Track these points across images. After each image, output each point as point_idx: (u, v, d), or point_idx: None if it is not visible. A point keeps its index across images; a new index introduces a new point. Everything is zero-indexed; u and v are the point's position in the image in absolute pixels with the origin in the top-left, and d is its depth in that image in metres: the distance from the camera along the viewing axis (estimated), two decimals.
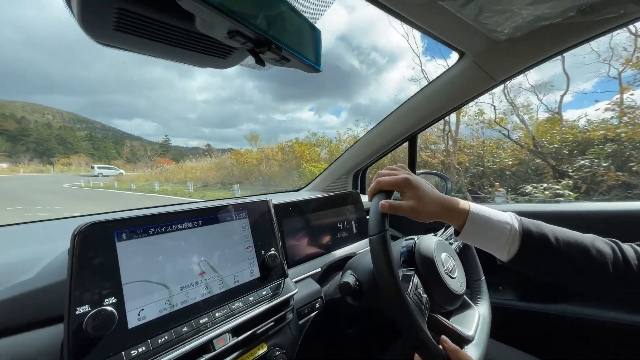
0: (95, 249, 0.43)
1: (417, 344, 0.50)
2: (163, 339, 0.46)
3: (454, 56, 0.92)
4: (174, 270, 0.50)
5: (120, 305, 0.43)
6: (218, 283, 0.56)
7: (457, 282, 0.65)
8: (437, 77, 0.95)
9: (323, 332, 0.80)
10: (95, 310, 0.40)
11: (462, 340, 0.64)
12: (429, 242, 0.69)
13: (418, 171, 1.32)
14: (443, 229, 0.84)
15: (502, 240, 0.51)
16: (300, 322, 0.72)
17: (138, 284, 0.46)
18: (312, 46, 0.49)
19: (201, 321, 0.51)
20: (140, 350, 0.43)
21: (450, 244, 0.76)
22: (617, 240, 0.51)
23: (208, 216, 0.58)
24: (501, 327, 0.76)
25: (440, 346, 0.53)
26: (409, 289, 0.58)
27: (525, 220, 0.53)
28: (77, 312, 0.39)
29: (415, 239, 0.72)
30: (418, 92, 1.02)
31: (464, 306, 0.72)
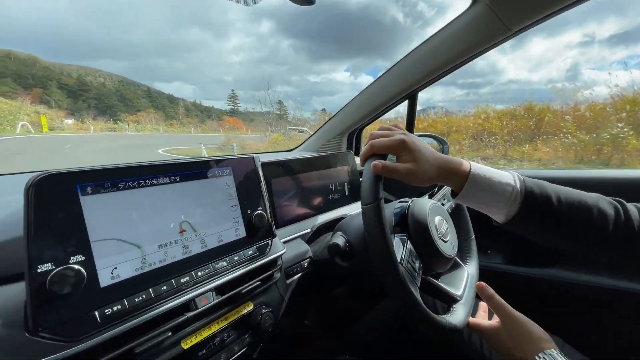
0: (54, 203, 0.38)
1: (417, 319, 0.50)
2: (140, 298, 0.43)
3: (463, 4, 0.82)
4: (150, 228, 0.47)
5: (89, 264, 0.40)
6: (200, 242, 0.53)
7: (449, 245, 0.64)
8: (445, 27, 0.85)
9: (311, 292, 0.80)
10: (60, 268, 0.37)
11: (451, 300, 0.64)
12: (422, 205, 0.66)
13: (415, 133, 1.26)
14: (437, 189, 0.81)
15: (502, 202, 0.48)
16: (288, 281, 0.71)
17: (109, 242, 0.42)
18: None
19: (182, 280, 0.48)
20: (115, 309, 0.41)
21: (443, 204, 0.74)
22: (622, 200, 0.48)
23: (187, 171, 0.53)
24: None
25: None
26: (402, 255, 0.57)
27: (529, 180, 0.49)
28: (39, 271, 0.36)
29: (409, 202, 0.69)
30: (421, 44, 0.92)
31: (453, 266, 0.72)
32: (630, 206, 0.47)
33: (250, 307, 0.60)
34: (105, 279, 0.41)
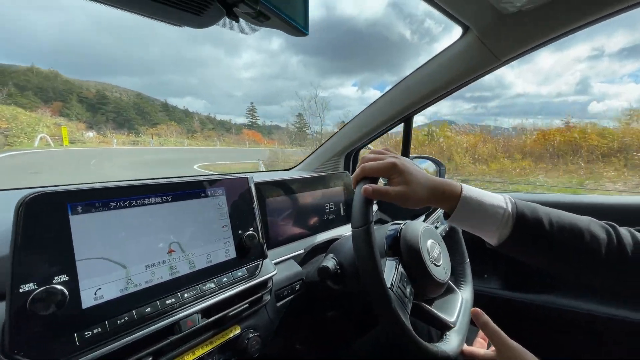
0: (44, 222, 0.38)
1: (406, 347, 0.49)
2: (123, 320, 0.42)
3: (456, 33, 0.85)
4: (138, 248, 0.47)
5: (73, 284, 0.39)
6: (188, 263, 0.52)
7: (442, 269, 0.63)
8: (437, 55, 0.89)
9: (302, 314, 0.79)
10: (43, 288, 0.37)
11: (444, 327, 0.62)
12: (415, 228, 0.66)
13: (412, 155, 1.28)
14: (431, 210, 0.81)
15: (494, 224, 0.48)
16: (279, 304, 0.70)
17: (95, 261, 0.42)
18: (296, 3, 0.43)
19: (167, 302, 0.48)
20: (95, 331, 0.40)
21: (436, 227, 0.74)
22: (614, 224, 0.48)
23: (179, 192, 0.54)
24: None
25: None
26: (393, 280, 0.56)
27: (520, 203, 0.49)
28: (21, 290, 0.36)
29: (402, 224, 0.69)
30: (416, 70, 0.95)
31: (447, 290, 0.70)
32: (623, 230, 0.47)
33: (237, 330, 0.58)
34: (88, 300, 0.41)
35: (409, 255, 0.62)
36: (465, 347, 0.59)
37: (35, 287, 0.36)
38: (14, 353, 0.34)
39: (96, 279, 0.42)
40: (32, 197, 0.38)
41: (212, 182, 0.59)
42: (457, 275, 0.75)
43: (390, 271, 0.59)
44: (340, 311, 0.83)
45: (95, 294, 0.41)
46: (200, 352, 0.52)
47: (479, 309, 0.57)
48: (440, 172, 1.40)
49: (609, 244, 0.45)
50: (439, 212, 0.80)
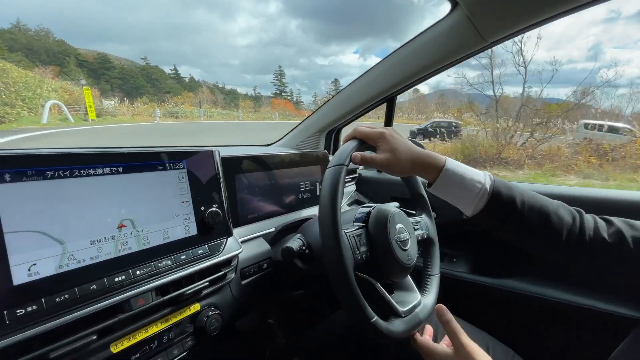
0: None
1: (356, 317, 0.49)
2: (62, 298, 0.40)
3: (444, 9, 0.80)
4: (82, 222, 0.43)
5: (1, 259, 0.36)
6: (142, 239, 0.49)
7: (406, 254, 0.63)
8: (423, 32, 0.84)
9: (269, 293, 0.78)
10: None
11: (392, 313, 0.62)
12: (386, 209, 0.66)
13: None
14: (416, 212, 0.79)
15: (471, 197, 0.52)
16: (244, 282, 0.68)
17: (28, 234, 0.38)
18: None
19: (116, 279, 0.45)
20: (29, 309, 0.37)
21: (415, 228, 0.73)
22: (581, 210, 0.51)
23: (133, 162, 0.49)
24: (451, 298, 0.77)
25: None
26: (349, 233, 0.58)
27: (498, 181, 0.53)
28: None
29: (375, 205, 0.68)
30: (400, 47, 0.91)
31: (410, 289, 0.69)
32: (588, 217, 0.50)
33: (196, 308, 0.57)
34: (20, 276, 0.37)
35: (375, 229, 0.62)
36: (421, 337, 0.59)
37: None
38: None
39: (30, 254, 0.38)
40: None
41: (172, 154, 0.55)
42: (423, 286, 0.73)
43: (352, 229, 0.60)
44: (309, 290, 0.83)
45: (29, 270, 0.38)
46: (154, 329, 0.50)
47: (443, 306, 0.57)
48: None
49: (572, 228, 0.49)
50: (424, 218, 0.78)
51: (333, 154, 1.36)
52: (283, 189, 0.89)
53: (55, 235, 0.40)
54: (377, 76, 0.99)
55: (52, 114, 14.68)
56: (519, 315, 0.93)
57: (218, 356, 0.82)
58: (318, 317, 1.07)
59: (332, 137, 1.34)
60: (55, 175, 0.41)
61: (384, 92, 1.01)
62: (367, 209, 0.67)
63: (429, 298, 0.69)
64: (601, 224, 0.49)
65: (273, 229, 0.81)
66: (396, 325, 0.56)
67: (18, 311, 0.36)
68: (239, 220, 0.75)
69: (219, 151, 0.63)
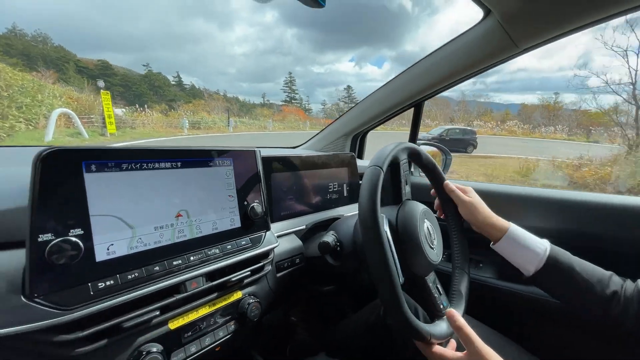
0: (60, 177, 0.40)
1: (396, 317, 0.50)
2: (133, 276, 0.45)
3: (477, 16, 0.82)
4: (148, 210, 0.48)
5: (87, 238, 0.41)
6: (195, 228, 0.54)
7: (435, 252, 0.64)
8: (455, 39, 0.86)
9: (300, 287, 0.82)
10: (60, 239, 0.39)
11: (436, 315, 0.63)
12: (414, 207, 0.67)
13: (419, 140, 1.27)
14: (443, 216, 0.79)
15: (533, 258, 0.61)
16: (279, 275, 0.72)
17: (108, 219, 0.44)
18: None
19: (174, 263, 0.50)
20: (107, 283, 0.42)
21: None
22: (630, 281, 0.58)
23: (189, 158, 0.55)
24: (477, 304, 0.77)
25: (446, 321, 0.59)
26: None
27: (556, 247, 0.63)
28: (39, 240, 0.38)
29: (401, 203, 0.69)
30: (430, 54, 0.93)
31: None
32: (631, 286, 0.57)
33: (238, 295, 0.61)
34: (101, 254, 0.43)
35: (404, 226, 0.63)
36: (436, 346, 0.57)
37: (53, 237, 0.38)
38: (34, 297, 0.37)
39: (109, 236, 0.44)
40: (48, 153, 0.39)
41: (220, 152, 0.60)
42: (452, 283, 0.73)
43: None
44: (336, 287, 0.86)
45: (107, 250, 0.43)
46: (203, 312, 0.55)
47: (454, 311, 0.56)
48: (446, 161, 1.40)
49: (616, 296, 0.56)
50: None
51: (359, 157, 1.39)
52: (313, 189, 0.93)
53: (128, 221, 0.46)
54: (405, 82, 1.02)
55: (59, 127, 11.31)
56: (547, 324, 0.91)
57: (248, 347, 0.86)
58: (340, 315, 1.10)
59: (357, 141, 1.38)
60: (129, 167, 0.47)
61: (412, 97, 1.03)
62: (394, 206, 0.69)
63: (461, 300, 0.69)
64: None
65: (304, 227, 0.85)
66: (440, 327, 0.57)
67: (100, 284, 0.42)
68: (273, 217, 0.79)
69: (260, 151, 0.68)
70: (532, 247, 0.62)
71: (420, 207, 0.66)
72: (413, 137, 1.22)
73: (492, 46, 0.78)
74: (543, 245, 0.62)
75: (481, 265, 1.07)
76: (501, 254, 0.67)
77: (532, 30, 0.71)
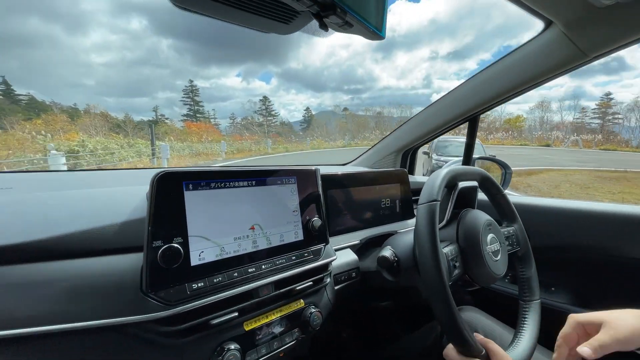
0: (168, 194, 0.49)
1: (455, 338, 0.50)
2: (217, 280, 0.52)
3: (536, 27, 0.80)
4: (230, 222, 0.56)
5: (185, 245, 0.50)
6: (265, 239, 0.61)
7: (498, 265, 0.62)
8: (513, 51, 0.84)
9: (357, 301, 0.83)
10: (167, 245, 0.47)
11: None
12: (477, 217, 0.65)
13: (475, 156, 1.23)
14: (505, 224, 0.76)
15: None
16: (337, 287, 0.75)
17: (200, 229, 0.52)
18: (376, 10, 0.47)
19: (249, 270, 0.56)
20: (199, 285, 0.50)
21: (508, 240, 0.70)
22: None
23: (261, 178, 0.62)
24: (551, 331, 0.71)
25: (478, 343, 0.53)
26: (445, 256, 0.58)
27: None
28: (154, 245, 0.46)
29: (462, 210, 0.69)
30: (486, 67, 0.92)
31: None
32: None
33: (301, 304, 0.66)
34: (194, 260, 0.51)
35: (465, 240, 0.62)
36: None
37: (162, 243, 0.47)
38: (149, 292, 0.45)
39: (200, 244, 0.52)
40: (162, 174, 0.49)
41: (287, 172, 0.66)
42: (522, 310, 0.68)
43: (443, 249, 0.60)
44: (393, 303, 0.86)
45: (199, 256, 0.51)
46: (272, 317, 0.60)
47: (481, 336, 0.54)
48: (506, 175, 1.32)
49: None
50: (514, 229, 0.75)
51: (410, 173, 1.39)
52: (366, 204, 0.96)
53: (216, 232, 0.54)
54: (460, 96, 1.01)
55: None
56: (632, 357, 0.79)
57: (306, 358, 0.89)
58: (393, 335, 1.07)
59: (408, 157, 1.38)
60: (216, 186, 0.55)
61: (467, 112, 1.02)
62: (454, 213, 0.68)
63: (532, 329, 0.63)
64: None
65: (358, 241, 0.87)
66: (519, 348, 0.55)
67: (194, 285, 0.49)
68: (330, 232, 0.83)
69: (320, 169, 0.73)
70: None
71: (484, 217, 0.65)
72: (468, 152, 1.18)
73: (558, 56, 0.76)
74: None
75: (553, 289, 0.98)
76: None
77: (600, 39, 0.68)
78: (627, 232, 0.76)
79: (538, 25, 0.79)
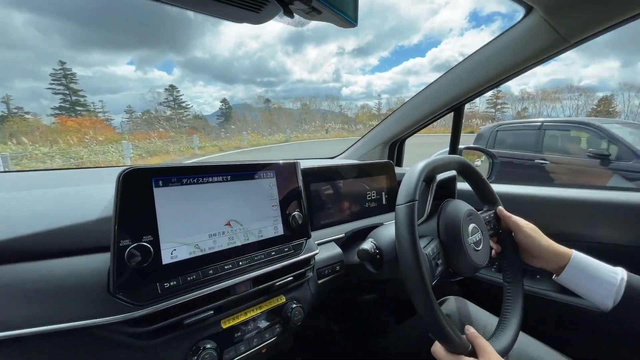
0: (136, 191, 0.47)
1: (440, 338, 0.50)
2: (192, 277, 0.51)
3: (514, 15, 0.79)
4: (204, 219, 0.55)
5: (155, 243, 0.48)
6: (243, 235, 0.59)
7: (480, 255, 0.62)
8: (495, 39, 0.83)
9: (341, 294, 0.83)
10: (135, 244, 0.46)
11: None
12: (458, 208, 0.65)
13: (461, 146, 1.22)
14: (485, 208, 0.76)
15: (608, 288, 0.54)
16: (320, 281, 0.75)
17: (171, 227, 0.51)
18: None
19: (225, 267, 0.55)
20: (172, 284, 0.49)
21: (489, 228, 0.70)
22: None
23: (237, 172, 0.60)
24: (534, 319, 0.71)
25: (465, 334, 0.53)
26: (427, 260, 0.57)
27: (633, 276, 0.56)
28: (121, 245, 0.45)
29: (443, 201, 0.68)
30: (469, 56, 0.91)
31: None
32: None
33: (282, 300, 0.65)
34: (166, 258, 0.49)
35: (446, 234, 0.62)
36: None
37: (130, 242, 0.46)
38: (117, 293, 0.44)
39: (172, 242, 0.50)
40: (128, 171, 0.47)
41: (265, 166, 0.65)
42: (506, 296, 0.68)
43: (425, 249, 0.60)
44: (377, 296, 0.86)
45: (171, 254, 0.50)
46: (251, 314, 0.60)
47: (471, 327, 0.54)
48: (494, 164, 1.32)
49: None
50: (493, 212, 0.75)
51: (398, 164, 1.38)
52: (352, 197, 0.95)
53: (189, 228, 0.52)
54: (444, 86, 1.00)
55: None
56: (614, 344, 0.80)
57: (292, 353, 0.89)
58: (382, 328, 1.08)
59: (395, 148, 1.37)
60: (188, 182, 0.54)
61: (452, 101, 1.01)
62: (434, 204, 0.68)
63: (515, 316, 0.63)
64: None
65: (343, 235, 0.87)
66: (501, 339, 0.55)
67: (165, 284, 0.48)
68: (313, 225, 0.82)
69: (300, 163, 0.72)
70: (603, 276, 0.55)
71: (465, 208, 0.65)
72: (454, 141, 1.18)
73: (539, 43, 0.75)
74: (617, 273, 0.55)
75: (538, 277, 0.99)
76: (568, 287, 0.59)
77: (580, 25, 0.67)
78: (600, 217, 0.77)
79: (518, 13, 0.78)
